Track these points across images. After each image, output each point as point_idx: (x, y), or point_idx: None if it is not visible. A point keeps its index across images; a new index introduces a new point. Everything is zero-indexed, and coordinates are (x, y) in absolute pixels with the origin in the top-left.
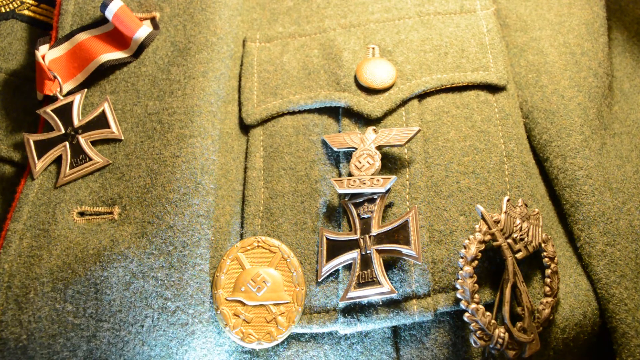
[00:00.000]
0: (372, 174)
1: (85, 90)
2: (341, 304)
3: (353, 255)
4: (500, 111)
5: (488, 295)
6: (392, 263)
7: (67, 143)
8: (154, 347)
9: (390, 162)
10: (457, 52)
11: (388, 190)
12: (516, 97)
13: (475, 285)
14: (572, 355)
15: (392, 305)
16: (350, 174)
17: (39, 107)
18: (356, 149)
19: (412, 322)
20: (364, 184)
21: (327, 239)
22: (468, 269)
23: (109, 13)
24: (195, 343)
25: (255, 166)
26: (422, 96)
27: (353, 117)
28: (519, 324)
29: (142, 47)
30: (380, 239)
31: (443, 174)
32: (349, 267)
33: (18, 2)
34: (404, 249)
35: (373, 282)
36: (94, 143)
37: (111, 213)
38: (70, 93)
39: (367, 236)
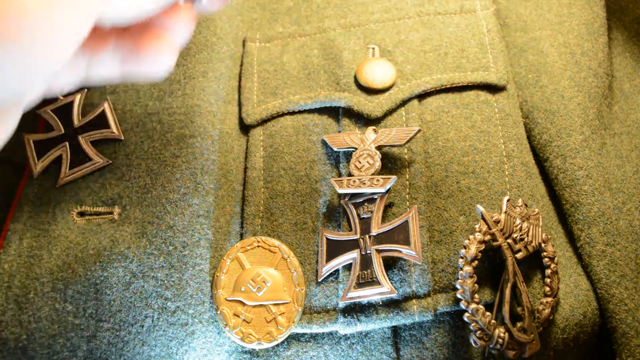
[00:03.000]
0: (372, 174)
1: (85, 90)
2: (341, 304)
3: (353, 255)
4: (500, 111)
5: (488, 295)
6: (392, 263)
7: (67, 143)
8: (154, 347)
9: (390, 162)
10: (457, 52)
11: (388, 190)
12: (516, 97)
13: (475, 285)
14: (572, 355)
15: (392, 305)
16: (350, 174)
17: (39, 107)
18: (356, 149)
19: (412, 322)
20: (364, 184)
21: (327, 239)
22: (468, 269)
23: None
24: (195, 343)
25: (255, 166)
26: (422, 96)
27: (353, 117)
28: (519, 324)
29: None
30: (380, 239)
31: (443, 174)
32: (349, 267)
33: None
34: (404, 249)
35: (373, 282)
36: (94, 143)
37: (111, 213)
38: (70, 93)
39: (367, 236)
